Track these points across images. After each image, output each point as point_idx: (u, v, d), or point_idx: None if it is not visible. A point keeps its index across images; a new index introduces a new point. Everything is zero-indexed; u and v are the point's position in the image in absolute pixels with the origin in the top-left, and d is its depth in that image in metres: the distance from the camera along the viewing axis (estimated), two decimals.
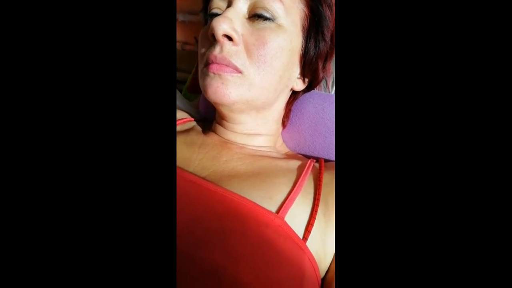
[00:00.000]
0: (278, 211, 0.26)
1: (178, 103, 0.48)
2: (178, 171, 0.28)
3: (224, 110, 0.32)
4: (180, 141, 0.34)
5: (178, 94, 0.50)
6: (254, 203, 0.25)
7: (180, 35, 0.93)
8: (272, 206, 0.26)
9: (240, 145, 0.34)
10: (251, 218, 0.24)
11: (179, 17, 0.82)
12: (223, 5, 0.30)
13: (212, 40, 0.29)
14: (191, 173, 0.29)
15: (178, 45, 0.94)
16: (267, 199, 0.27)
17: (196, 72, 0.62)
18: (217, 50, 0.29)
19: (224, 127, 0.35)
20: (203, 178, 0.28)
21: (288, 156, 0.37)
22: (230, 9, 0.29)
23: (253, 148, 0.35)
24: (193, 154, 0.32)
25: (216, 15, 0.30)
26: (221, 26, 0.27)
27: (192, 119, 0.42)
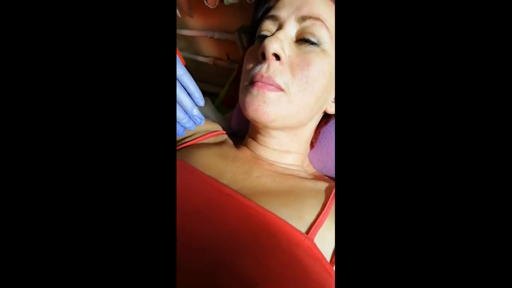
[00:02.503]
0: (307, 232, 0.26)
1: (211, 115, 0.50)
2: (213, 182, 0.29)
3: (260, 125, 0.34)
4: (214, 152, 0.35)
5: (212, 106, 0.52)
6: (285, 222, 0.25)
7: (213, 51, 0.98)
8: (301, 226, 0.26)
9: (270, 161, 0.35)
10: (283, 235, 0.24)
11: (214, 34, 0.86)
12: (273, 28, 0.32)
13: (260, 59, 0.31)
14: (226, 185, 0.30)
15: (210, 60, 0.98)
16: (297, 219, 0.27)
17: (233, 88, 0.64)
18: (264, 68, 0.30)
19: (257, 141, 0.36)
20: (237, 192, 0.29)
21: (315, 177, 0.37)
22: (281, 31, 0.31)
23: (283, 166, 0.35)
24: (226, 166, 0.33)
25: (265, 36, 0.32)
26: (272, 45, 0.29)
27: (224, 132, 0.44)
